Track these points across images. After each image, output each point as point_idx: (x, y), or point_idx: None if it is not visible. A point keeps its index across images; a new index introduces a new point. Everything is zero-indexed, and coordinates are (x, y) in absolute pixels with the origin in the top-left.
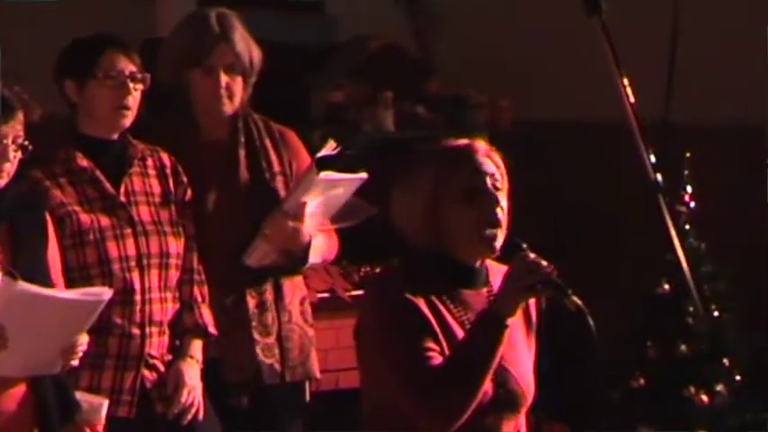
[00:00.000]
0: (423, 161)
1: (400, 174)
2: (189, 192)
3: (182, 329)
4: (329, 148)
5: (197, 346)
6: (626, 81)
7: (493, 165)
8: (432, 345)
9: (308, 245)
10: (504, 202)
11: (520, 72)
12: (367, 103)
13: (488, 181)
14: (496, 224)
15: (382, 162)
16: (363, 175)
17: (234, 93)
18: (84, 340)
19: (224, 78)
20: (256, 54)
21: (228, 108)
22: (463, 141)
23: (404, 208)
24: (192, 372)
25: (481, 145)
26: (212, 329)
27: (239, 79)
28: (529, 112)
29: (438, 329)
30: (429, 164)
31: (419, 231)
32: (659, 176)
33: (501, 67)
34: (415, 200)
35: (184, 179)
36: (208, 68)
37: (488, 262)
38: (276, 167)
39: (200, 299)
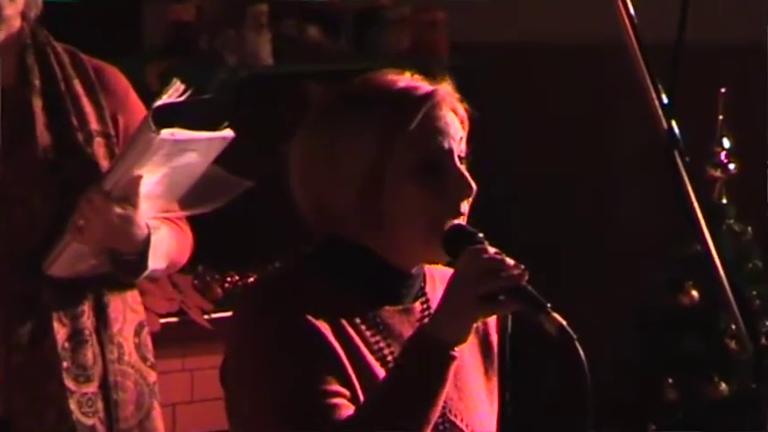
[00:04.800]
0: (362, 110)
1: (319, 126)
2: None
3: None
4: (174, 92)
5: None
6: None
7: (458, 122)
8: (338, 388)
9: (147, 242)
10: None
11: None
12: (229, 21)
13: (455, 150)
14: (456, 216)
15: (256, 110)
16: (228, 132)
17: None
18: None
19: None
20: None
21: (9, 8)
22: (421, 85)
23: (329, 180)
24: None
25: (446, 91)
26: None
27: None
28: (474, 32)
29: (349, 366)
30: (372, 116)
31: (350, 218)
32: (675, 124)
33: None
34: (351, 168)
35: None
36: None
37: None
38: (93, 124)
39: None
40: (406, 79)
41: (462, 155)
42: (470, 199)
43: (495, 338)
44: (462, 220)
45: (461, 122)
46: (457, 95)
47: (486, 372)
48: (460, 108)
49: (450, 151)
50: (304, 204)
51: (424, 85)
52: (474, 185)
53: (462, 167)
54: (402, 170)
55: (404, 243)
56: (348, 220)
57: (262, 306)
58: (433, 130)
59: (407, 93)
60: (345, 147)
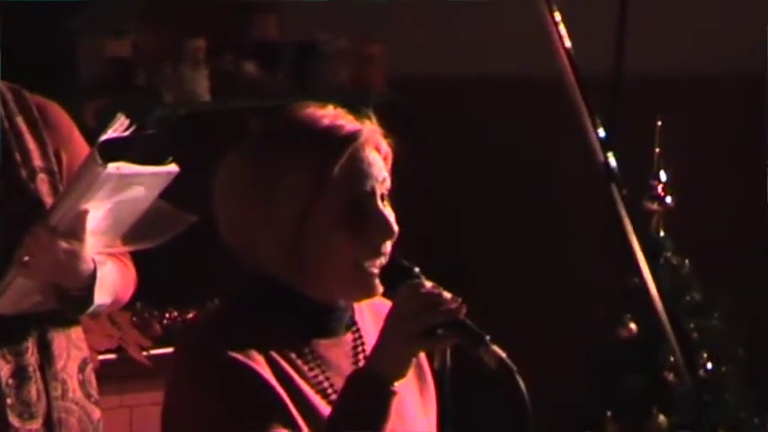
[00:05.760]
0: (289, 153)
1: (246, 166)
2: None
3: None
4: (119, 127)
5: None
6: (557, 16)
7: (381, 160)
8: (281, 429)
9: (93, 277)
10: (393, 217)
11: (398, 5)
12: (166, 57)
13: (378, 191)
14: (379, 258)
15: (194, 147)
16: (173, 167)
17: None
18: None
19: None
20: None
21: None
22: (344, 124)
23: (258, 223)
24: None
25: (369, 130)
26: None
27: None
28: (413, 65)
29: (291, 405)
30: (299, 159)
31: (276, 259)
32: (611, 157)
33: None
34: (280, 215)
35: None
36: None
37: None
38: (37, 161)
39: None
40: (329, 115)
41: (386, 192)
42: (393, 239)
43: (424, 359)
44: (384, 260)
45: (385, 159)
46: (380, 131)
47: (422, 393)
48: (384, 144)
49: (373, 193)
50: (229, 240)
51: (347, 123)
52: (396, 227)
53: (385, 209)
54: (328, 217)
55: (329, 284)
56: (273, 261)
57: (201, 348)
58: (357, 172)
59: (331, 134)
60: (274, 193)
